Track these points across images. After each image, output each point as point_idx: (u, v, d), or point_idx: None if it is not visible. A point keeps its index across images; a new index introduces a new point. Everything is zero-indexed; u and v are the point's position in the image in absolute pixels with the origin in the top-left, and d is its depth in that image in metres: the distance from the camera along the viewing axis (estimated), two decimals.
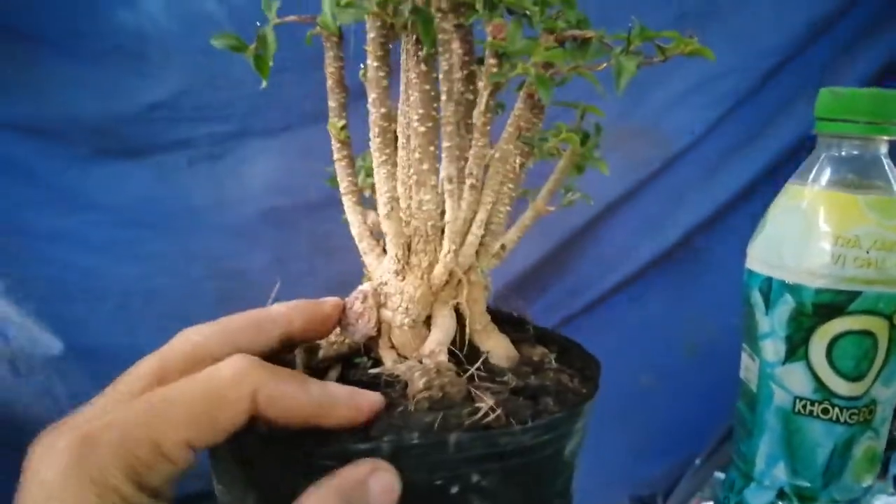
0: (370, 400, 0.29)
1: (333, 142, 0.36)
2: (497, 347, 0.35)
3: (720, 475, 0.87)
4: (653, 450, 0.86)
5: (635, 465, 0.86)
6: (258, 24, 0.33)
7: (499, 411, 0.29)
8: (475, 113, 0.33)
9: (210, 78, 0.62)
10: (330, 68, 0.35)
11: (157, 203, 0.66)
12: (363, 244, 0.36)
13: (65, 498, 0.24)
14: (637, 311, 0.81)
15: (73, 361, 0.67)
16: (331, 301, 0.34)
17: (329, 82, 0.35)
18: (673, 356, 0.82)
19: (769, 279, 0.43)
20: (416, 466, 0.28)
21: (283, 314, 0.32)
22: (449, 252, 0.33)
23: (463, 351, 0.34)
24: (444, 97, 0.32)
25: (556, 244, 0.75)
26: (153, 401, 0.26)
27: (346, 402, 0.29)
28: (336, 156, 0.36)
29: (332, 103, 0.35)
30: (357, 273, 0.37)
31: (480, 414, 0.29)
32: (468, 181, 0.33)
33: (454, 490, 0.28)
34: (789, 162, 0.63)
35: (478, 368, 0.32)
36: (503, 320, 0.37)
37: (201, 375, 0.27)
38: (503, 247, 0.36)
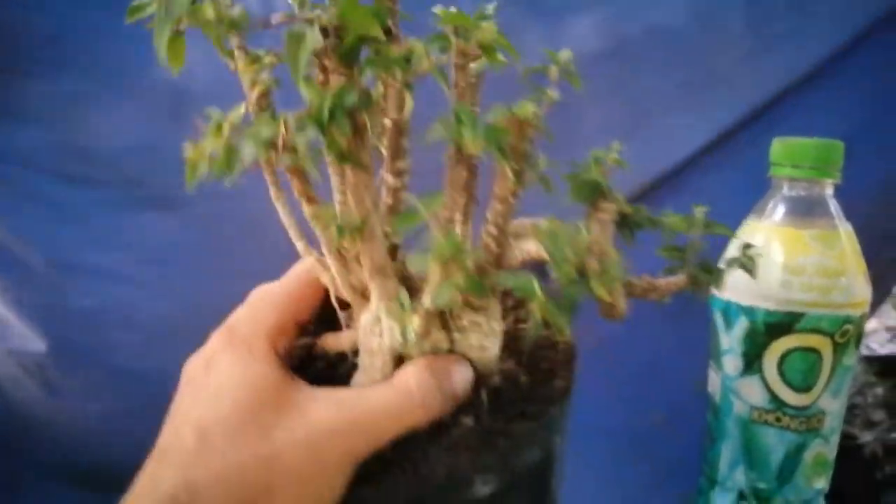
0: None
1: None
2: None
3: None
4: (669, 485, 0.86)
5: (650, 500, 0.87)
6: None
7: None
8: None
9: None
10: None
11: (185, 245, 0.69)
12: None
13: None
14: (643, 352, 0.81)
15: (104, 384, 0.71)
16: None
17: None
18: (686, 394, 0.82)
19: (728, 302, 0.49)
20: None
21: (311, 277, 0.41)
22: None
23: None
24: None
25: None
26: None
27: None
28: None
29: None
30: None
31: None
32: None
33: None
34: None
35: None
36: None
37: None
38: None
